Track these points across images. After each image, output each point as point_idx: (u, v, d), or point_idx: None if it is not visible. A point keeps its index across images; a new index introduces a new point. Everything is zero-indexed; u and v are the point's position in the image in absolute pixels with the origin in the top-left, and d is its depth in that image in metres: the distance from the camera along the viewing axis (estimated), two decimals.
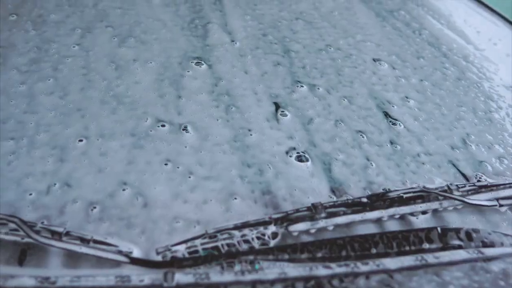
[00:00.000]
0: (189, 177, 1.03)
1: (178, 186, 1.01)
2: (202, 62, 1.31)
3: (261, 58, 1.35)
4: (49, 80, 1.20)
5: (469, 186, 1.10)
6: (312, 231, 0.97)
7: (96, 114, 1.13)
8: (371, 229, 1.01)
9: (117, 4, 1.47)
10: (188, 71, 1.28)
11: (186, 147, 1.09)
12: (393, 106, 1.29)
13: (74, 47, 1.30)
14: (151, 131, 1.12)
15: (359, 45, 1.49)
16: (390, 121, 1.25)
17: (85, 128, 1.10)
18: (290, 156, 1.10)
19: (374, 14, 1.68)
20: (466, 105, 1.36)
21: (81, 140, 1.07)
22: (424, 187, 1.08)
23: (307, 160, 1.10)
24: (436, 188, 1.07)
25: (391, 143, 1.19)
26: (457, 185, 1.08)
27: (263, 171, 1.07)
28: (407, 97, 1.33)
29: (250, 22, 1.49)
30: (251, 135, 1.13)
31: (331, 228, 0.99)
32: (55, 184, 0.99)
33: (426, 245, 0.97)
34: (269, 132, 1.15)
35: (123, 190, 0.99)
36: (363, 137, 1.19)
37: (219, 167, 1.06)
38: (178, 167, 1.05)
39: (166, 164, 1.05)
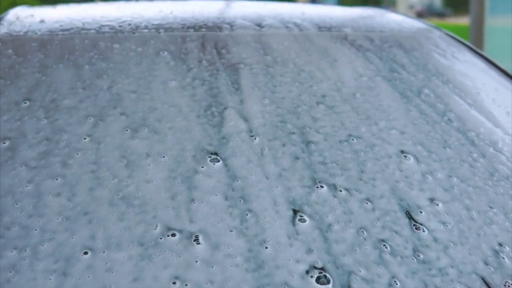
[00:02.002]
0: None
1: None
2: (218, 158, 1.24)
3: (279, 151, 1.29)
4: (57, 179, 1.15)
5: None
6: None
7: (104, 219, 1.08)
8: None
9: (132, 87, 1.43)
10: (203, 167, 1.22)
11: (196, 261, 1.02)
12: (419, 210, 1.21)
13: (85, 138, 1.25)
14: (161, 238, 1.06)
15: (382, 133, 1.42)
16: (414, 225, 1.17)
17: (92, 237, 1.04)
18: (311, 277, 1.02)
19: (398, 94, 1.61)
20: (496, 206, 1.28)
21: (86, 253, 1.02)
22: None
23: (328, 282, 1.02)
24: None
25: (414, 251, 1.12)
26: None
27: None
28: (433, 198, 1.25)
29: (269, 107, 1.43)
30: (266, 247, 1.06)
31: None
32: None
33: None
34: (286, 243, 1.08)
35: None
36: (386, 247, 1.11)
37: (230, 285, 1.00)
38: (186, 285, 0.99)
39: (174, 283, 0.98)
